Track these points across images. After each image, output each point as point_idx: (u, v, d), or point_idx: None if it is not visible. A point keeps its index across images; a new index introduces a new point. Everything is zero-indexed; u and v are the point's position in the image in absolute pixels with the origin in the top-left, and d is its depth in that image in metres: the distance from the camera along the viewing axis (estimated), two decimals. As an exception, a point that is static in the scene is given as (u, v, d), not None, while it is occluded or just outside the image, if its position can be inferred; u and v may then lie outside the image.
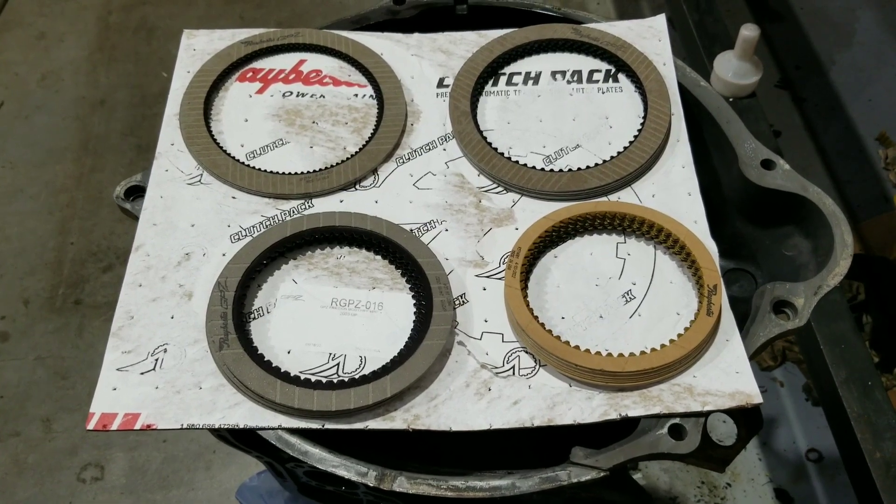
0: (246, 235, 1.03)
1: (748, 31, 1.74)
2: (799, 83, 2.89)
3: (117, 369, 0.92)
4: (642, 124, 1.12)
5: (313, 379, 0.90)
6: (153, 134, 1.14)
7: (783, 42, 2.96)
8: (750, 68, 1.83)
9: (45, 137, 2.80)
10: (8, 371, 2.30)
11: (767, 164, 1.08)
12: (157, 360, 0.93)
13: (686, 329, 0.93)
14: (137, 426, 0.88)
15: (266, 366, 0.90)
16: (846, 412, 1.50)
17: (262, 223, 1.04)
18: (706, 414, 0.89)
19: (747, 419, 0.95)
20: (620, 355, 0.91)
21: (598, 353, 0.91)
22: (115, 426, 0.88)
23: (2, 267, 2.50)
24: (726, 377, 0.91)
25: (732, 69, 1.82)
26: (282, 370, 0.91)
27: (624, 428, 0.91)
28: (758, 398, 0.89)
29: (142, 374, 0.92)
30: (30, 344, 2.35)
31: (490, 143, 1.11)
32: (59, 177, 2.70)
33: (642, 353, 0.91)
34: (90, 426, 0.88)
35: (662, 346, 0.91)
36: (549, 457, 0.94)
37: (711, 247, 1.01)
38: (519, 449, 1.02)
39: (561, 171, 1.08)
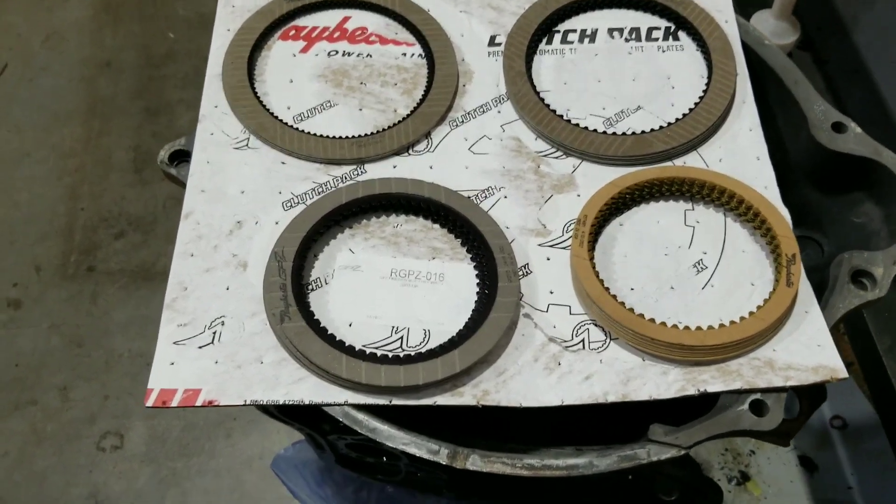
0: (298, 202, 0.99)
1: (789, -11, 1.69)
2: (820, 44, 2.83)
3: (174, 343, 0.88)
4: (707, 85, 1.07)
5: (378, 353, 0.87)
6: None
7: (804, 1, 2.89)
8: (787, 28, 1.78)
9: (51, 100, 2.72)
10: (22, 339, 2.26)
11: (838, 127, 1.03)
12: (214, 333, 0.89)
13: (765, 301, 0.89)
14: (199, 402, 0.84)
15: (329, 339, 0.86)
16: (890, 380, 1.48)
17: (314, 189, 1.00)
18: (788, 389, 0.86)
19: (810, 392, 0.91)
20: (699, 328, 0.87)
21: (675, 325, 0.88)
22: (175, 402, 0.84)
23: (12, 233, 2.45)
24: (808, 351, 0.87)
25: (769, 29, 1.77)
26: (346, 344, 0.87)
27: (689, 406, 0.88)
28: (843, 372, 0.86)
29: (200, 347, 0.88)
30: (43, 311, 2.31)
31: (547, 105, 1.06)
32: (66, 140, 2.63)
33: (721, 326, 0.87)
34: (149, 403, 0.84)
35: (742, 318, 0.88)
36: (605, 435, 0.92)
37: (784, 213, 0.97)
38: (574, 427, 0.98)
39: (624, 134, 1.04)
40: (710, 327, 0.87)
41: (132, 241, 2.43)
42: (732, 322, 0.88)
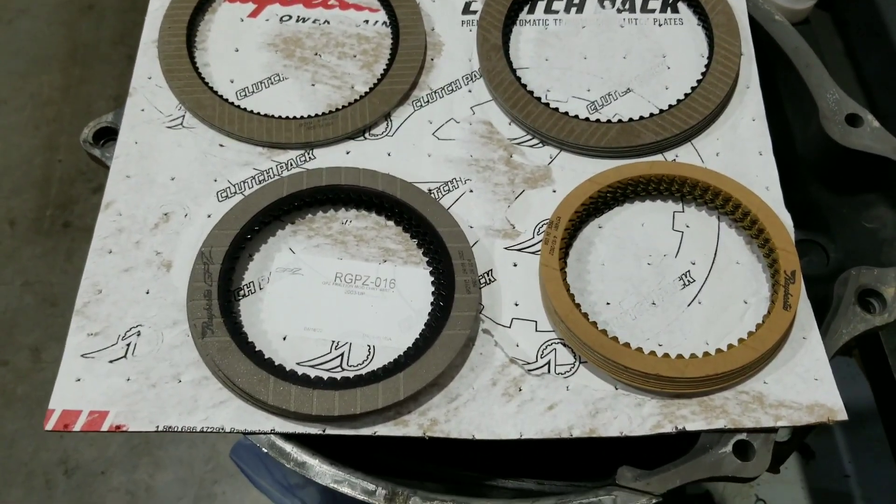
0: (235, 192, 0.87)
1: (812, -53, 1.54)
2: (841, 4, 2.66)
3: (82, 356, 0.78)
4: (707, 66, 0.94)
5: (312, 375, 0.76)
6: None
7: (827, -43, 2.71)
8: (807, -10, 1.63)
9: (30, 44, 2.59)
10: (-6, 296, 2.18)
11: (853, 120, 0.91)
12: (128, 345, 0.78)
13: (758, 326, 0.78)
14: (104, 427, 0.74)
15: (257, 358, 0.76)
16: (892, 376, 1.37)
17: (254, 178, 0.88)
18: (778, 430, 0.75)
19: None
20: (679, 357, 0.76)
21: (652, 352, 0.76)
22: (78, 426, 0.74)
23: (-15, 185, 2.35)
24: (803, 385, 0.76)
25: (788, -10, 1.62)
26: (275, 363, 0.76)
27: (664, 440, 0.78)
28: (842, 413, 0.75)
29: (111, 362, 0.78)
30: (16, 268, 2.22)
31: (524, 85, 0.94)
32: (44, 88, 2.51)
33: (705, 354, 0.76)
34: (49, 426, 0.74)
35: (730, 346, 0.76)
36: (586, 453, 0.82)
37: (786, 220, 0.85)
38: (537, 453, 0.88)
39: (609, 121, 0.91)
40: (693, 356, 0.76)
41: (111, 196, 2.32)
42: (719, 350, 0.76)
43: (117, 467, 1.95)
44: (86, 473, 1.93)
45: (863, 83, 2.51)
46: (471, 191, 0.89)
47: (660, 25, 1.00)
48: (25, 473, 1.93)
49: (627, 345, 0.77)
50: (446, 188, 0.89)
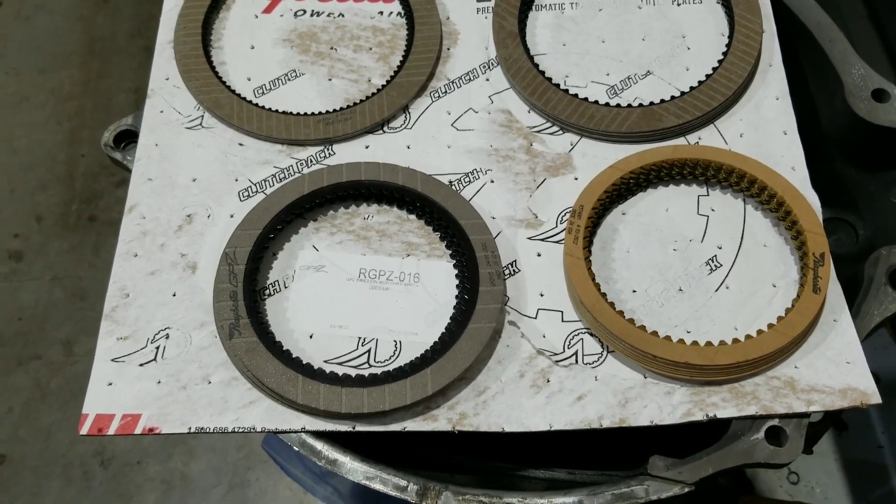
0: (257, 192, 0.87)
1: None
2: (865, -36, 2.60)
3: (112, 360, 0.79)
4: (728, 45, 0.93)
5: (340, 372, 0.77)
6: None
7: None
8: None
9: (48, 40, 2.61)
10: (25, 292, 2.20)
11: (879, 96, 0.89)
12: (158, 347, 0.79)
13: (787, 311, 0.77)
14: (138, 430, 0.75)
15: (285, 357, 0.76)
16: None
17: (275, 176, 0.88)
18: (811, 415, 0.74)
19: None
20: (708, 344, 0.75)
21: (681, 340, 0.76)
22: (112, 430, 0.75)
23: (12, 181, 2.37)
24: (835, 368, 0.76)
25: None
26: (303, 361, 0.77)
27: (695, 428, 0.77)
28: (875, 397, 0.74)
29: (141, 365, 0.78)
30: (45, 263, 2.25)
31: (542, 72, 0.93)
32: (65, 83, 2.53)
33: (734, 340, 0.75)
34: (83, 431, 0.75)
35: (759, 331, 0.76)
36: (617, 443, 0.82)
37: (813, 201, 0.84)
38: (567, 443, 0.88)
39: (629, 105, 0.90)
40: (722, 342, 0.76)
41: (134, 189, 2.34)
42: (748, 336, 0.76)
43: (152, 457, 1.97)
44: (122, 464, 1.96)
45: (888, 48, 2.45)
46: (492, 181, 0.88)
47: (678, 5, 0.98)
48: (63, 465, 1.96)
49: (655, 333, 0.76)
50: (467, 179, 0.88)
